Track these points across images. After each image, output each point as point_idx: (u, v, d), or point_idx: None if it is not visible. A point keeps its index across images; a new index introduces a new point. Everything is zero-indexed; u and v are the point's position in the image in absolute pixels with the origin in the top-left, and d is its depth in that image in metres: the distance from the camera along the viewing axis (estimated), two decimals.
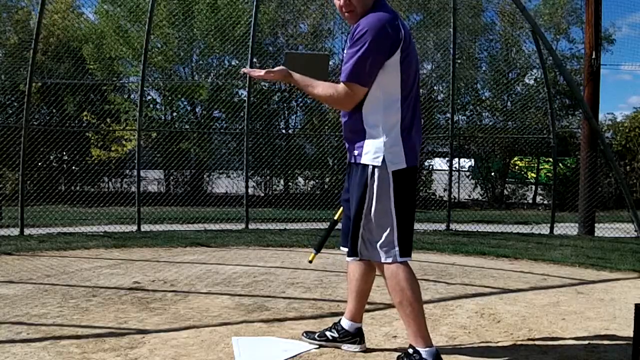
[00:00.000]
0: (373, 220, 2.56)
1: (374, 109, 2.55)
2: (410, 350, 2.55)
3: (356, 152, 2.60)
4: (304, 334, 3.04)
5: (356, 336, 2.91)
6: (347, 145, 2.71)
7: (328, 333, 2.95)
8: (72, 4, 14.82)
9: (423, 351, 2.52)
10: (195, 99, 15.07)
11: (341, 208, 3.06)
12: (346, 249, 2.75)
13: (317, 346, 2.90)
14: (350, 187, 2.68)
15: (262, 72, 2.68)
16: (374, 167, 2.54)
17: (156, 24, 12.93)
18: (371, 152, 2.55)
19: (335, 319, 3.40)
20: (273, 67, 2.73)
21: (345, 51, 2.63)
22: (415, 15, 14.48)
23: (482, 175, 17.75)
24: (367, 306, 3.75)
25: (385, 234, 2.55)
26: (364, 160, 2.56)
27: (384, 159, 2.53)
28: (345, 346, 2.90)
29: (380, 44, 2.46)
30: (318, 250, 3.36)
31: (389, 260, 2.56)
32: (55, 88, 12.71)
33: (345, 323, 2.93)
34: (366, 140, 2.57)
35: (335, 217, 3.35)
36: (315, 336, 2.98)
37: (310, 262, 3.41)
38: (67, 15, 14.60)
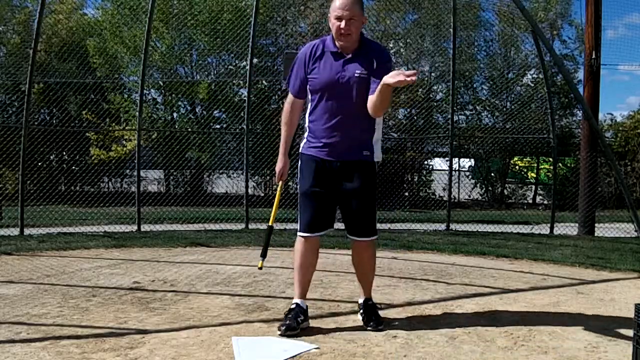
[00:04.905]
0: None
1: (379, 117, 3.23)
2: (370, 302, 3.32)
3: (367, 152, 3.20)
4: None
5: (306, 313, 3.25)
6: (352, 144, 3.17)
7: (299, 319, 3.14)
8: (75, 6, 14.83)
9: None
10: (195, 98, 15.04)
11: (273, 213, 3.51)
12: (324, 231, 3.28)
13: (317, 346, 2.91)
14: (357, 180, 3.18)
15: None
16: (376, 162, 3.25)
17: (155, 24, 12.92)
18: (378, 151, 3.26)
19: (336, 319, 3.42)
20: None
21: (376, 65, 3.13)
22: (413, 14, 14.46)
23: (482, 175, 17.74)
24: None
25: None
26: (376, 158, 3.24)
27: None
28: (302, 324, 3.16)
29: None
30: (264, 257, 3.61)
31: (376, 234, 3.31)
32: (57, 87, 12.70)
33: (303, 304, 3.23)
34: (374, 142, 3.23)
35: (270, 222, 3.57)
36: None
37: (260, 268, 3.65)
38: (71, 16, 14.59)
